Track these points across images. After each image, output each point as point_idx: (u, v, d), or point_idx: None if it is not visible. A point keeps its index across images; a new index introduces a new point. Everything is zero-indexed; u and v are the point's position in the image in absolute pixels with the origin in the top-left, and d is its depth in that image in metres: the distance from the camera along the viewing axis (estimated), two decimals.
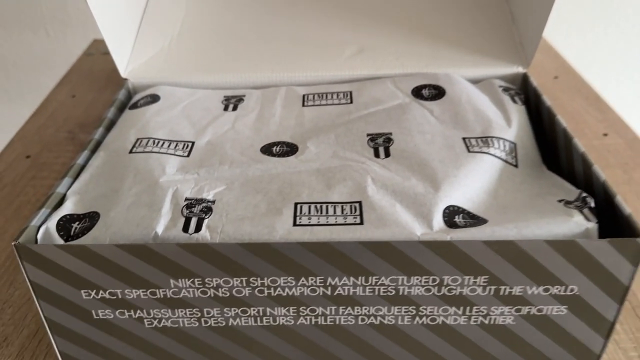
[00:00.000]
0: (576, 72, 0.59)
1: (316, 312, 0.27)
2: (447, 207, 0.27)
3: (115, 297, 0.26)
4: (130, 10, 0.43)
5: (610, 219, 0.27)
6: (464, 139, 0.31)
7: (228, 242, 0.25)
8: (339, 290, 0.26)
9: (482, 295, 0.26)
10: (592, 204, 0.26)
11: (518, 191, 0.29)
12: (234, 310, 0.26)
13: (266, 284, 0.26)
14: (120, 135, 0.33)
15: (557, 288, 0.26)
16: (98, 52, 0.66)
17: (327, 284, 0.25)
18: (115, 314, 0.27)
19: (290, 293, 0.26)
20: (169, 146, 0.32)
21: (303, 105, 0.36)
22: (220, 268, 0.25)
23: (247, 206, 0.27)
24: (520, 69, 0.39)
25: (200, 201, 0.27)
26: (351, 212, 0.26)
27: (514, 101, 0.35)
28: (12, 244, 0.25)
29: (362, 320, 0.27)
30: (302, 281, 0.25)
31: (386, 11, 0.44)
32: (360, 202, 0.27)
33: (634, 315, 0.32)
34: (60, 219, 0.27)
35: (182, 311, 0.27)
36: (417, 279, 0.25)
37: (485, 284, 0.25)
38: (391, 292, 0.26)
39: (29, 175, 0.45)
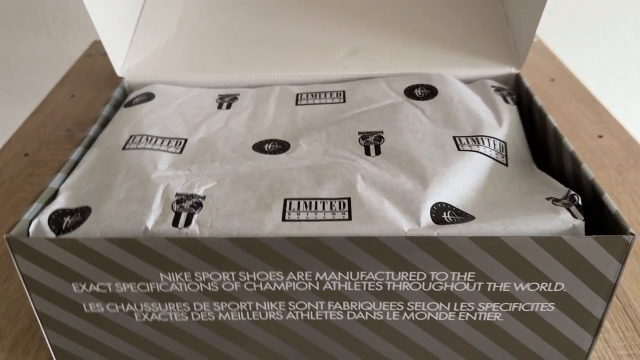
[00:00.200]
0: (573, 75, 0.59)
1: (305, 307, 0.27)
2: (435, 204, 0.27)
3: (105, 291, 0.26)
4: (127, 10, 0.44)
5: (598, 217, 0.27)
6: (454, 137, 0.31)
7: (217, 236, 0.25)
8: (327, 286, 0.26)
9: (470, 291, 0.26)
10: (580, 202, 0.26)
11: (507, 189, 0.29)
12: (223, 305, 0.27)
13: (255, 279, 0.26)
14: (114, 132, 0.34)
15: (544, 285, 0.26)
16: (98, 53, 0.67)
17: (316, 279, 0.26)
18: (105, 307, 0.27)
19: (279, 288, 0.26)
20: (161, 143, 0.32)
21: (296, 104, 0.37)
22: (209, 262, 0.25)
23: (237, 202, 0.27)
24: (513, 70, 0.39)
25: (190, 197, 0.27)
26: (340, 208, 0.27)
27: (506, 101, 0.36)
28: (4, 236, 0.25)
29: (351, 315, 0.27)
30: (291, 276, 0.26)
31: (380, 13, 0.44)
32: (349, 199, 0.27)
33: (624, 315, 0.32)
34: (53, 213, 0.27)
35: (172, 305, 0.27)
36: (405, 274, 0.25)
37: (472, 280, 0.26)
38: (379, 287, 0.26)
39: (27, 172, 0.46)
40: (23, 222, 0.27)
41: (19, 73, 0.90)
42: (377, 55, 0.41)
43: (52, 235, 0.27)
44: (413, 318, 0.27)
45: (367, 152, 0.31)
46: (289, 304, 0.27)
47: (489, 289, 0.26)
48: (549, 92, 0.56)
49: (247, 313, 0.27)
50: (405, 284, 0.26)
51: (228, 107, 0.37)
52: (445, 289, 0.26)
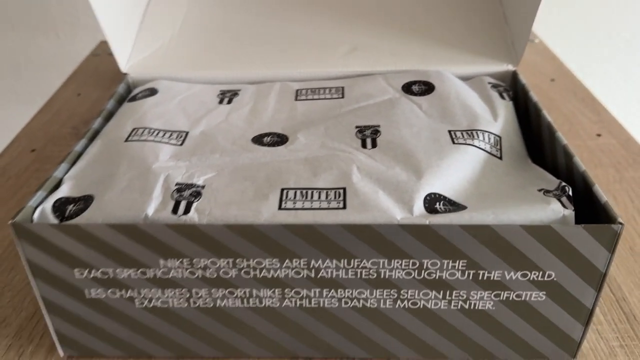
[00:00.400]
0: (573, 75, 0.60)
1: (301, 295, 0.27)
2: (429, 195, 0.27)
3: (107, 277, 0.27)
4: (131, 8, 0.45)
5: (589, 208, 0.27)
6: (449, 131, 0.32)
7: (215, 223, 0.26)
8: (323, 273, 0.27)
9: (462, 279, 0.26)
10: (570, 193, 0.27)
11: (501, 182, 0.29)
12: (222, 291, 0.27)
13: (252, 266, 0.26)
14: (117, 125, 0.34)
15: (534, 274, 0.26)
16: (104, 52, 0.68)
17: (311, 266, 0.26)
18: (107, 293, 0.28)
19: (276, 275, 0.27)
20: (163, 135, 0.33)
21: (296, 99, 0.37)
22: (207, 249, 0.26)
23: (235, 192, 0.28)
24: (510, 67, 0.40)
25: (190, 186, 0.28)
26: (335, 198, 0.27)
27: (502, 97, 0.36)
28: (9, 222, 0.26)
29: (345, 303, 0.28)
30: (287, 263, 0.26)
31: (380, 11, 0.45)
32: (344, 189, 0.28)
33: (618, 308, 0.33)
34: (56, 201, 0.28)
35: (171, 291, 0.27)
36: (398, 262, 0.26)
37: (464, 268, 0.26)
38: (373, 275, 0.26)
39: (34, 168, 0.47)
40: (28, 209, 0.27)
41: (27, 73, 0.91)
42: (377, 52, 0.41)
43: (55, 222, 0.27)
44: (406, 306, 0.27)
45: (364, 145, 0.31)
46: (285, 291, 0.27)
47: (480, 277, 0.26)
48: (549, 92, 0.56)
49: (245, 300, 0.28)
50: (399, 272, 0.26)
51: (229, 102, 0.38)
52: (437, 277, 0.26)
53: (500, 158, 0.31)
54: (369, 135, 0.32)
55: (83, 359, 0.30)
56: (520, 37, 0.39)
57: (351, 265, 0.26)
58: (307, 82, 0.40)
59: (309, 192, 0.28)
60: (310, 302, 0.28)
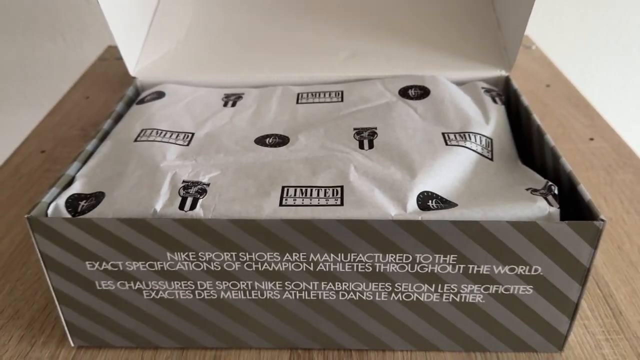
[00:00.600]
0: (569, 81, 0.61)
1: (300, 287, 0.29)
2: (422, 193, 0.29)
3: (117, 269, 0.29)
4: (140, 15, 0.47)
5: (574, 207, 0.29)
6: (443, 133, 0.34)
7: (219, 218, 0.27)
8: (321, 267, 0.28)
9: (452, 273, 0.28)
10: (556, 191, 0.28)
11: (491, 181, 0.31)
12: (225, 284, 0.29)
13: (254, 259, 0.28)
14: (126, 126, 0.36)
15: (522, 268, 0.28)
16: (112, 57, 0.69)
17: (310, 260, 0.28)
18: (116, 285, 0.29)
19: (276, 268, 0.28)
20: (170, 136, 0.35)
21: (297, 102, 0.39)
22: (212, 243, 0.28)
23: (238, 189, 0.29)
24: (503, 73, 0.41)
25: (196, 183, 0.30)
26: (333, 195, 0.29)
27: (495, 101, 0.38)
28: (25, 216, 0.27)
29: (343, 295, 0.29)
30: (287, 257, 0.28)
31: (378, 18, 0.47)
32: (342, 187, 0.29)
33: (604, 303, 0.34)
34: (69, 197, 0.30)
35: (177, 283, 0.29)
36: (392, 256, 0.27)
37: (454, 262, 0.27)
38: (368, 268, 0.28)
39: (44, 168, 0.49)
40: (42, 204, 0.29)
41: (36, 77, 0.93)
42: (375, 58, 0.43)
43: (68, 217, 0.29)
44: (400, 299, 0.29)
45: (361, 146, 0.33)
46: (286, 284, 0.29)
47: (470, 271, 0.28)
48: (545, 97, 0.58)
49: (247, 292, 0.29)
50: (393, 266, 0.28)
51: (233, 105, 0.39)
52: (429, 271, 0.28)
53: (491, 159, 0.33)
54: (366, 137, 0.33)
55: (92, 349, 0.32)
56: (513, 43, 0.41)
57: (348, 259, 0.28)
58: (308, 86, 0.41)
59: (309, 189, 0.29)
60: (309, 295, 0.29)
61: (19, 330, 0.33)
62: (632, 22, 0.86)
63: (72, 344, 0.32)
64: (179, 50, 0.46)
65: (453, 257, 0.27)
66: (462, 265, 0.28)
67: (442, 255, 0.27)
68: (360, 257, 0.28)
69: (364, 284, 0.29)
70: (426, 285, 0.28)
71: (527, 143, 0.36)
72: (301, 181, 0.30)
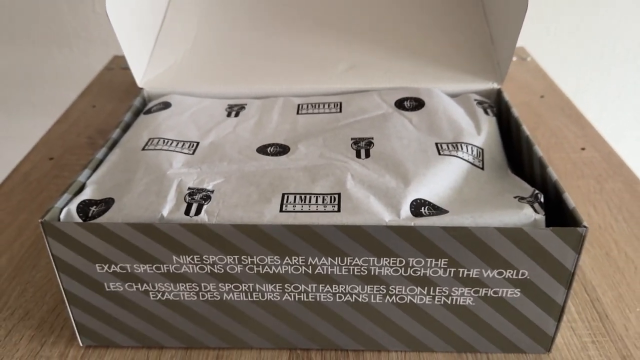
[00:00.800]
0: (562, 92, 0.63)
1: (299, 289, 0.30)
2: (415, 200, 0.30)
3: (125, 271, 0.30)
4: (147, 28, 0.49)
5: (560, 214, 0.30)
6: (436, 143, 0.35)
7: (223, 223, 0.29)
8: (319, 270, 0.30)
9: (444, 276, 0.29)
10: (542, 199, 0.30)
11: (481, 189, 0.32)
12: (228, 286, 0.30)
13: (255, 262, 0.29)
14: (134, 136, 0.38)
15: (509, 272, 0.29)
16: (118, 67, 0.71)
17: (308, 263, 0.29)
18: (124, 286, 0.31)
19: (277, 271, 0.30)
20: (176, 145, 0.36)
21: (297, 113, 0.41)
22: (215, 246, 0.29)
23: (241, 196, 0.31)
24: (495, 85, 0.43)
25: (201, 190, 0.31)
26: (331, 202, 0.30)
27: (487, 113, 0.39)
28: (39, 221, 0.29)
29: (339, 297, 0.30)
30: (287, 260, 0.29)
31: (376, 32, 0.49)
32: (339, 194, 0.31)
33: (591, 307, 0.35)
34: (80, 203, 0.31)
35: (182, 285, 0.30)
36: (386, 260, 0.29)
37: (445, 266, 0.29)
38: (364, 272, 0.29)
39: (52, 175, 0.50)
40: (55, 209, 0.31)
41: (43, 86, 0.95)
42: (373, 70, 0.45)
43: (80, 221, 0.30)
44: (394, 301, 0.30)
45: (358, 155, 0.34)
46: (285, 286, 0.30)
47: (460, 275, 0.29)
48: (538, 107, 0.59)
49: (249, 294, 0.31)
50: (387, 269, 0.29)
51: (236, 115, 0.41)
52: (422, 274, 0.29)
53: (482, 168, 0.34)
54: (363, 147, 0.35)
55: (100, 348, 0.33)
56: (505, 58, 0.43)
57: (344, 263, 0.29)
58: (308, 98, 0.43)
59: (308, 196, 0.31)
60: (307, 297, 0.30)
61: (29, 331, 0.35)
62: (627, 31, 0.88)
63: (81, 344, 0.33)
64: (184, 63, 0.48)
65: (444, 261, 0.29)
66: (452, 269, 0.29)
67: (433, 260, 0.29)
68: (356, 261, 0.29)
69: (360, 286, 0.30)
70: (419, 288, 0.30)
71: (517, 153, 0.38)
72: (300, 188, 0.31)
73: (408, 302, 0.30)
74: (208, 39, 0.50)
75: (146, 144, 0.36)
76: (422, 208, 0.30)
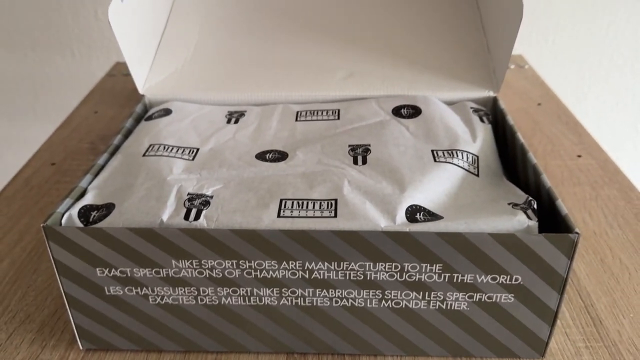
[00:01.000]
0: (559, 99, 0.63)
1: (296, 294, 0.31)
2: (410, 206, 0.31)
3: (125, 275, 0.31)
4: (149, 36, 0.49)
5: (553, 220, 0.31)
6: (432, 150, 0.36)
7: (221, 228, 0.29)
8: (316, 274, 0.30)
9: (438, 281, 0.30)
10: (535, 206, 0.30)
11: (476, 196, 0.33)
12: (226, 290, 0.31)
13: (253, 267, 0.30)
14: (135, 142, 0.38)
15: (503, 277, 0.30)
16: (119, 73, 0.72)
17: (305, 268, 0.30)
18: (124, 290, 0.31)
19: (274, 275, 0.30)
20: (177, 151, 0.37)
21: (296, 120, 0.41)
22: (214, 251, 0.30)
23: (240, 201, 0.32)
24: (491, 93, 0.44)
25: (200, 196, 0.32)
26: (327, 208, 0.31)
27: (482, 121, 0.40)
28: (41, 225, 0.30)
29: (336, 302, 0.31)
30: (284, 265, 0.30)
31: (374, 41, 0.50)
32: (336, 200, 0.31)
33: (585, 313, 0.36)
34: (82, 208, 0.32)
35: (181, 289, 0.31)
36: (382, 265, 0.29)
37: (440, 271, 0.29)
38: (360, 276, 0.30)
39: (54, 180, 0.51)
40: (56, 214, 0.31)
41: (45, 92, 0.96)
42: (371, 78, 0.45)
43: (81, 226, 0.31)
44: (390, 305, 0.31)
45: (355, 162, 0.35)
46: (283, 290, 0.31)
47: (455, 280, 0.30)
48: (535, 115, 0.60)
49: (247, 298, 0.31)
50: (383, 274, 0.30)
51: (236, 122, 0.42)
52: (417, 279, 0.30)
53: (477, 175, 0.35)
54: (360, 153, 0.36)
55: (100, 351, 0.34)
56: (500, 66, 0.43)
57: (341, 268, 0.30)
58: (306, 105, 0.44)
59: (305, 202, 0.31)
60: (304, 301, 0.31)
61: (30, 334, 0.35)
62: (625, 40, 0.88)
63: (81, 347, 0.34)
64: (185, 70, 0.48)
65: (439, 266, 0.29)
66: (447, 274, 0.30)
67: (428, 265, 0.29)
68: (353, 266, 0.30)
69: (356, 291, 0.30)
70: (414, 292, 0.30)
71: (512, 160, 0.38)
72: (298, 194, 0.32)
73: (403, 306, 0.31)
74: (209, 47, 0.51)
75: (147, 150, 0.37)
76: (418, 214, 0.31)
